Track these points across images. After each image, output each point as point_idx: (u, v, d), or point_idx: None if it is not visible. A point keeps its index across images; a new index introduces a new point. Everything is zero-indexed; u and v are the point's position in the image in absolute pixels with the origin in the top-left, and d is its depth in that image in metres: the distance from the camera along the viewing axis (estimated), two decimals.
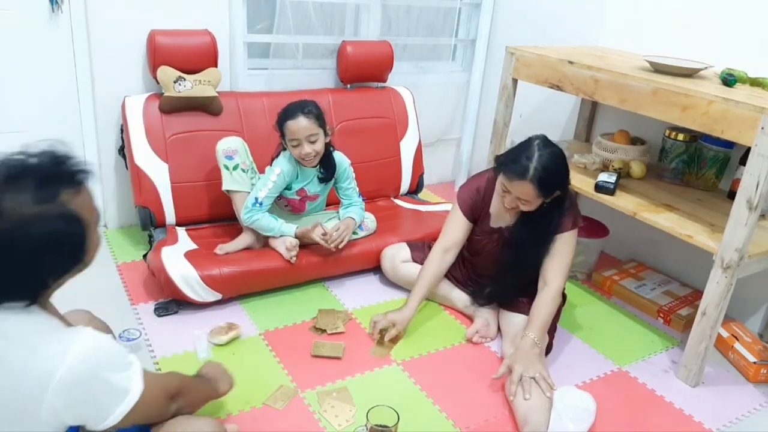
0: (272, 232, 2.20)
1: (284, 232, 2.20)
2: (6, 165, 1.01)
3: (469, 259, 2.17)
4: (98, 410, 1.07)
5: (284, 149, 2.24)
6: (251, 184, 2.25)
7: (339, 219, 2.36)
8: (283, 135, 2.18)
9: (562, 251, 1.91)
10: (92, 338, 1.05)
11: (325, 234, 2.19)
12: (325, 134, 2.20)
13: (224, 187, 2.24)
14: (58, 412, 1.01)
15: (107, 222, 2.64)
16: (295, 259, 2.17)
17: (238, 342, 1.95)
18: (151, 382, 1.15)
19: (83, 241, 1.06)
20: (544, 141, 1.83)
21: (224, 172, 2.24)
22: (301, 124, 2.12)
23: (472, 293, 2.18)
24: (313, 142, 2.15)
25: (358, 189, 2.42)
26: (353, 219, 2.30)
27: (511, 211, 1.91)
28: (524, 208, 1.85)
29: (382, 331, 1.98)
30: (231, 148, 2.23)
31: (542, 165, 1.76)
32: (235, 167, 2.22)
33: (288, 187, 2.28)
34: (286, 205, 2.35)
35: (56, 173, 1.03)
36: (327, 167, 2.29)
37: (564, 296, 2.17)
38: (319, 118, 2.17)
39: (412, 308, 2.01)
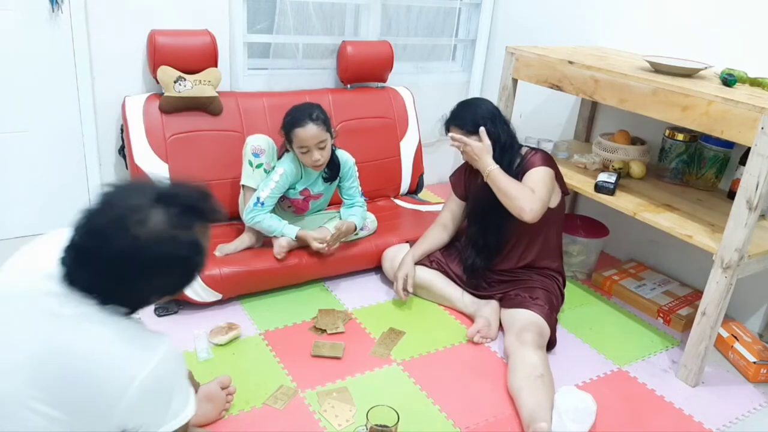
0: (274, 232, 2.20)
1: (286, 234, 2.20)
2: (159, 186, 1.13)
3: (468, 234, 2.25)
4: (161, 418, 1.12)
5: (287, 150, 2.24)
6: None
7: (340, 218, 2.37)
8: (290, 141, 2.17)
9: (529, 183, 1.98)
10: (172, 348, 1.14)
11: (323, 242, 2.19)
12: (331, 137, 2.19)
13: (242, 182, 2.26)
14: (128, 414, 1.06)
15: None
16: (281, 255, 2.16)
17: (238, 342, 1.95)
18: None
19: (197, 273, 1.16)
20: (469, 98, 2.20)
21: (246, 167, 2.25)
22: (310, 132, 2.11)
23: (470, 273, 2.20)
24: (322, 148, 2.15)
25: (360, 188, 2.42)
26: (354, 223, 2.30)
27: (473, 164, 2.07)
28: (467, 150, 2.02)
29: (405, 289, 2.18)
30: (260, 146, 2.24)
31: (455, 107, 2.10)
32: (259, 165, 2.23)
33: (291, 187, 2.28)
34: (290, 206, 2.35)
35: (198, 207, 1.13)
36: (331, 167, 2.29)
37: (563, 295, 2.18)
38: (326, 123, 2.16)
39: (413, 257, 2.23)
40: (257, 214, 2.18)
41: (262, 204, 2.18)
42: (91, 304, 1.08)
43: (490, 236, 2.14)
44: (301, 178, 2.27)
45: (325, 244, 2.19)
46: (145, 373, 1.06)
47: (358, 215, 2.34)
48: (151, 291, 1.14)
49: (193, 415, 1.18)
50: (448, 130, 2.09)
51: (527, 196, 1.94)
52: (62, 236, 1.10)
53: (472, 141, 2.01)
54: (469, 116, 2.05)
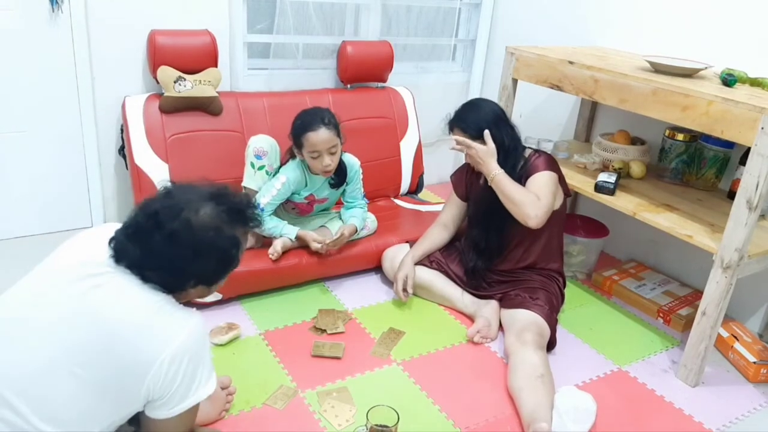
0: (274, 233, 2.19)
1: (285, 234, 2.20)
2: (214, 187, 1.29)
3: (469, 236, 2.24)
4: (187, 388, 1.20)
5: (293, 157, 2.22)
6: None
7: (340, 218, 2.37)
8: (299, 146, 2.14)
9: (534, 188, 1.98)
10: (200, 320, 1.23)
11: (321, 244, 2.19)
12: (341, 142, 2.18)
13: (244, 183, 2.25)
14: (158, 382, 1.15)
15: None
16: (275, 257, 2.16)
17: (238, 342, 1.96)
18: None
19: (231, 269, 1.30)
20: (474, 98, 2.18)
21: (248, 169, 2.23)
22: (322, 136, 2.09)
23: (470, 274, 2.20)
24: (333, 153, 2.13)
25: (363, 190, 2.41)
26: (355, 226, 2.29)
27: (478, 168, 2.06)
28: (471, 153, 2.00)
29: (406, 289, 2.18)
30: (263, 148, 2.21)
31: (459, 108, 2.08)
32: (261, 167, 2.22)
33: (296, 193, 2.26)
34: (293, 208, 2.34)
35: (244, 211, 1.30)
36: (338, 172, 2.26)
37: (563, 296, 2.18)
38: (337, 128, 2.14)
39: (413, 258, 2.23)
40: None
41: (262, 210, 2.18)
42: (133, 279, 1.19)
43: (492, 239, 2.14)
44: (306, 185, 2.26)
45: (323, 245, 2.18)
46: (178, 342, 1.16)
47: (359, 216, 2.33)
48: (190, 274, 1.24)
49: (213, 391, 1.26)
50: (451, 130, 2.09)
51: (532, 203, 1.93)
52: (106, 230, 1.26)
53: (476, 144, 2.00)
54: (474, 119, 2.04)
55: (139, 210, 1.23)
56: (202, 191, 1.27)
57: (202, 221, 1.21)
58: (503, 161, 2.00)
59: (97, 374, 1.13)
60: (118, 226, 1.26)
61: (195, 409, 1.26)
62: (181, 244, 1.19)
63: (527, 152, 2.09)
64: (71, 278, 1.20)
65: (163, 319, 1.18)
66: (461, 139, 2.02)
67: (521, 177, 2.02)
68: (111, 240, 1.22)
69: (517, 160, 2.05)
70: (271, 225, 2.19)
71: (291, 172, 2.20)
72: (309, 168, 2.21)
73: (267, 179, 2.23)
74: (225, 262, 1.28)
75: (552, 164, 2.05)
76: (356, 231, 2.30)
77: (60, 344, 1.13)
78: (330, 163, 2.13)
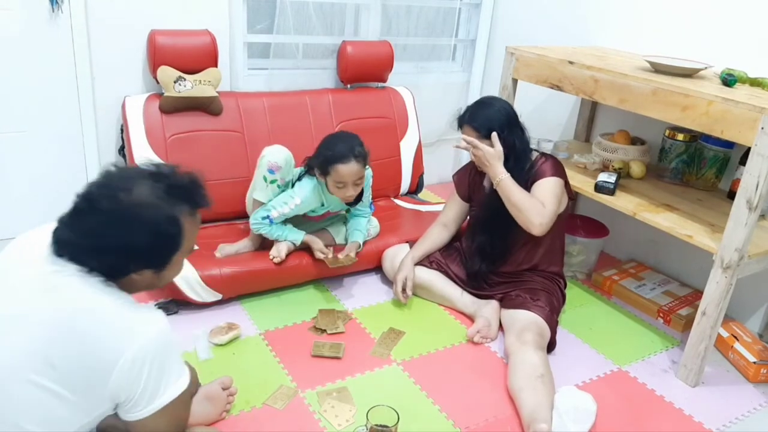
0: (279, 238, 2.19)
1: (290, 239, 2.19)
2: (157, 166, 1.25)
3: (472, 240, 2.21)
4: (154, 389, 1.17)
5: (309, 171, 2.19)
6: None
7: (344, 223, 2.38)
8: (325, 173, 2.09)
9: (539, 194, 1.96)
10: (164, 320, 1.20)
11: (325, 254, 2.19)
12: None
13: (255, 196, 2.21)
14: (122, 384, 1.12)
15: None
16: (278, 260, 2.15)
17: (238, 342, 1.95)
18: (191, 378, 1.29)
19: (173, 250, 1.24)
20: (487, 96, 2.15)
21: (260, 181, 2.19)
22: (352, 169, 2.06)
23: (473, 277, 2.19)
24: (357, 185, 2.11)
25: (371, 198, 2.40)
26: (359, 243, 2.29)
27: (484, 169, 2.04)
28: (479, 155, 1.98)
29: (405, 290, 2.18)
30: (277, 164, 2.15)
31: (470, 106, 2.06)
32: (273, 181, 2.18)
33: (313, 211, 2.25)
34: (303, 215, 2.30)
35: (187, 190, 1.24)
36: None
37: (564, 296, 2.18)
38: (366, 159, 2.11)
39: (413, 259, 2.22)
40: (263, 227, 2.18)
41: (271, 221, 2.17)
42: (83, 273, 1.15)
43: (496, 244, 2.12)
44: (323, 204, 2.24)
45: (326, 256, 2.17)
46: (141, 342, 1.13)
47: (362, 230, 2.32)
48: (126, 255, 1.18)
49: (185, 389, 1.23)
50: (460, 127, 2.06)
51: (538, 210, 1.92)
52: (50, 228, 1.20)
53: (484, 146, 1.97)
54: (486, 119, 2.00)
55: (77, 195, 1.20)
56: (141, 171, 1.24)
57: (135, 199, 1.17)
58: (511, 165, 1.98)
59: (57, 379, 1.09)
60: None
61: (173, 409, 1.21)
62: (113, 223, 1.16)
63: (533, 155, 2.07)
64: (23, 279, 1.17)
65: (121, 320, 1.15)
66: (470, 138, 2.00)
67: (527, 181, 2.00)
68: (53, 231, 1.19)
69: (524, 164, 2.03)
70: (278, 232, 2.19)
71: (306, 195, 2.16)
72: (327, 188, 2.17)
73: (278, 192, 2.21)
74: (161, 239, 1.21)
75: (558, 169, 2.04)
76: (360, 247, 2.30)
77: (12, 353, 1.10)
78: (353, 193, 2.11)
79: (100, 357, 1.11)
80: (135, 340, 1.13)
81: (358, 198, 2.25)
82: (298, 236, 2.19)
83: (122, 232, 1.16)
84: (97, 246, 1.16)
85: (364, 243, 2.35)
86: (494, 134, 1.97)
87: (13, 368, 1.09)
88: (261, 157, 2.21)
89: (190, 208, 1.24)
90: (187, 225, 1.23)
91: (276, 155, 2.18)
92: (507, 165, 1.98)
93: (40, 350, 1.09)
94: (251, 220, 2.21)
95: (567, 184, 2.08)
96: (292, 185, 2.24)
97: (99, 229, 1.16)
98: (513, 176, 1.96)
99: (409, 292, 2.19)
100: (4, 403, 1.09)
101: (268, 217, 2.17)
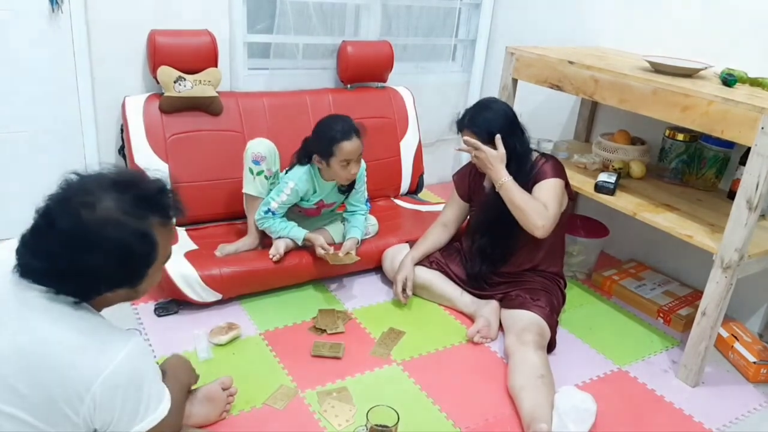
0: (283, 233, 2.20)
1: (292, 236, 2.20)
2: (119, 172, 1.14)
3: (473, 242, 2.21)
4: (131, 415, 1.10)
5: (300, 162, 2.21)
6: (269, 190, 2.23)
7: (342, 221, 2.38)
8: (329, 154, 2.10)
9: (541, 196, 1.96)
10: (140, 344, 1.13)
11: (326, 251, 2.18)
12: None
13: (244, 190, 2.23)
14: (94, 412, 1.06)
15: None
16: (277, 257, 2.15)
17: (238, 342, 1.95)
18: (175, 401, 1.21)
19: (147, 265, 1.14)
20: (486, 98, 2.12)
21: (247, 175, 2.21)
22: (355, 144, 2.10)
23: (473, 277, 2.20)
24: (358, 161, 2.15)
25: (367, 194, 2.40)
26: (357, 239, 2.29)
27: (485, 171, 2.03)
28: (481, 157, 1.97)
29: (405, 291, 2.18)
30: (260, 153, 2.18)
31: (470, 110, 2.05)
32: (259, 173, 2.20)
33: (305, 199, 2.26)
34: (299, 211, 2.32)
35: (156, 199, 1.13)
36: None
37: (564, 296, 2.18)
38: (361, 134, 2.16)
39: (413, 259, 2.22)
40: (266, 221, 2.19)
41: (273, 213, 2.18)
42: (50, 296, 1.08)
43: (498, 246, 2.12)
44: (315, 191, 2.25)
45: (327, 253, 2.17)
46: (112, 368, 1.06)
47: (360, 227, 2.33)
48: (95, 278, 1.09)
49: (165, 416, 1.15)
50: (460, 130, 2.06)
51: (540, 213, 1.91)
52: (13, 245, 1.11)
53: (486, 148, 1.97)
54: (486, 122, 1.99)
55: (36, 209, 1.08)
56: (104, 180, 1.11)
57: (97, 215, 1.05)
58: (512, 167, 1.98)
59: (28, 409, 1.03)
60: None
61: (165, 422, 1.16)
62: (75, 245, 1.04)
63: (533, 155, 2.07)
64: None
65: (91, 345, 1.07)
66: (472, 141, 1.99)
67: (529, 183, 2.00)
68: (16, 250, 1.09)
69: (525, 166, 2.02)
70: (281, 227, 2.19)
71: (299, 179, 2.18)
72: (321, 174, 2.20)
73: (267, 183, 2.22)
74: (132, 259, 1.10)
75: (559, 170, 2.03)
76: (358, 243, 2.30)
77: None
78: (356, 171, 2.15)
79: (68, 386, 1.04)
80: (104, 368, 1.05)
81: (352, 184, 2.28)
82: (300, 233, 2.20)
83: (87, 255, 1.05)
84: (59, 270, 1.06)
85: (363, 241, 2.35)
86: (498, 137, 1.96)
87: None
88: (245, 151, 2.22)
89: (162, 218, 1.14)
90: (160, 237, 1.13)
91: (258, 146, 2.20)
92: (508, 167, 1.97)
93: (8, 380, 1.02)
94: (256, 217, 2.21)
95: (567, 184, 2.08)
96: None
97: (60, 252, 1.05)
98: (514, 178, 1.96)
99: (409, 292, 2.19)
100: None
101: (269, 209, 2.18)
